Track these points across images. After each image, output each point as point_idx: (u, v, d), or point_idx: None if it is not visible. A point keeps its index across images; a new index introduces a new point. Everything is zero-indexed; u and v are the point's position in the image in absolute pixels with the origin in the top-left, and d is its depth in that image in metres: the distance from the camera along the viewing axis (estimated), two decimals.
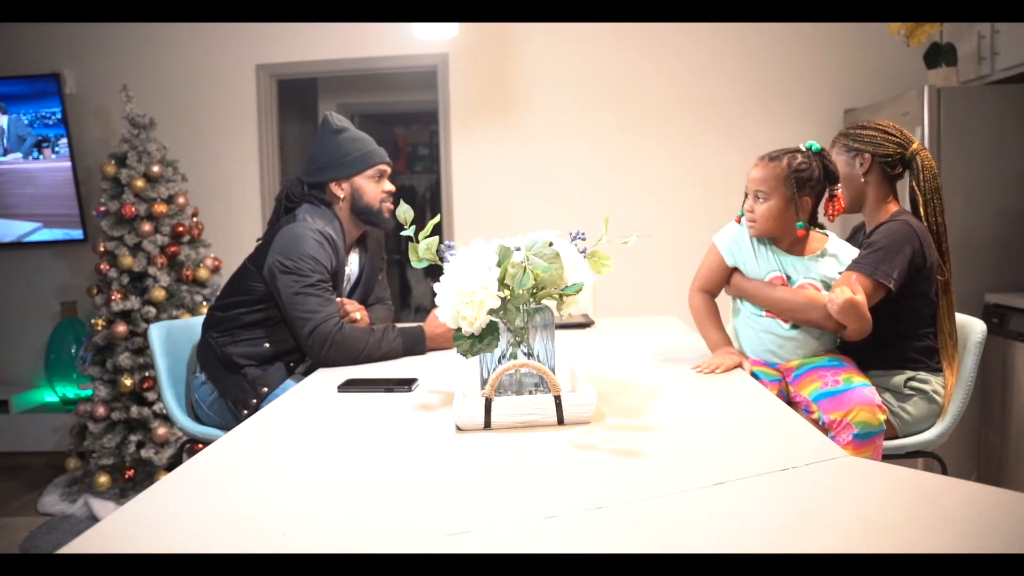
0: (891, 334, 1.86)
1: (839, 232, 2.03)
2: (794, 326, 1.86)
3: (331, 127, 2.12)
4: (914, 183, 1.87)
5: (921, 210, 1.87)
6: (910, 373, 1.85)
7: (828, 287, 1.81)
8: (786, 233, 1.84)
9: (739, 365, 1.78)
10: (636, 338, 2.24)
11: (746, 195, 1.87)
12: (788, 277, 1.86)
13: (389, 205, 2.14)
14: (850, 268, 1.79)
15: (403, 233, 1.49)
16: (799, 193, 1.78)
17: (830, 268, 1.84)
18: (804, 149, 1.81)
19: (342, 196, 2.11)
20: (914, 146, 1.88)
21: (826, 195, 1.85)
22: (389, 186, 2.16)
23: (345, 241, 2.11)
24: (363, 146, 2.13)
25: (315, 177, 2.11)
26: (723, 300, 2.05)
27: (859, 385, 1.74)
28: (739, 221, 1.93)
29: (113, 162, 3.43)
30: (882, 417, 1.70)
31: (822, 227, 1.92)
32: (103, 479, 3.28)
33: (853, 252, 1.86)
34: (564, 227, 1.52)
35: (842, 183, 1.87)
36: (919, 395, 1.83)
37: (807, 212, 1.83)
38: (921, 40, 3.21)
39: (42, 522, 3.18)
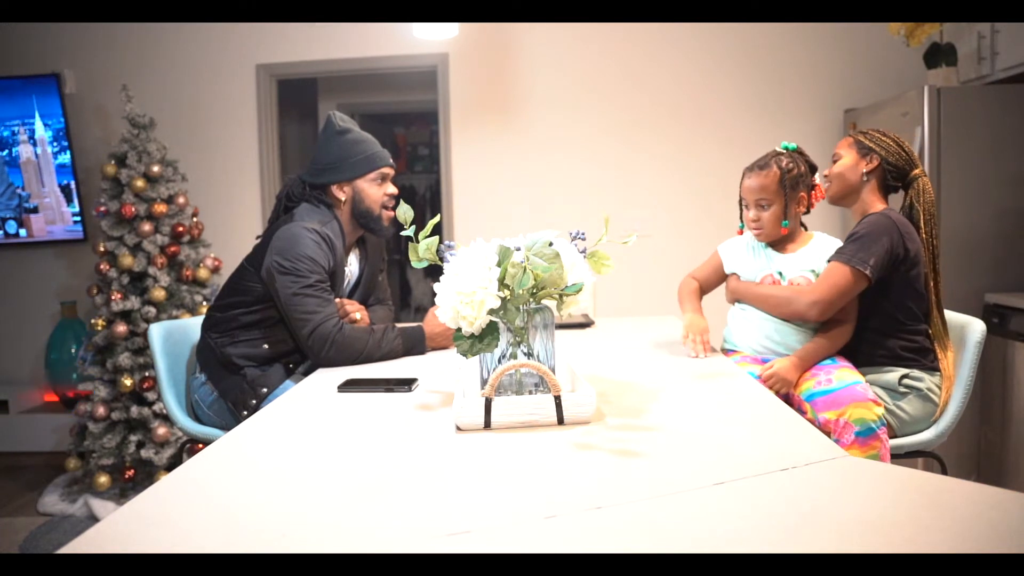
0: (883, 330, 1.90)
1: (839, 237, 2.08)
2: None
3: (334, 128, 2.11)
4: (916, 204, 1.93)
5: (922, 230, 1.91)
6: (903, 371, 1.86)
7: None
8: (788, 232, 1.96)
9: (705, 330, 1.96)
10: (636, 338, 2.24)
11: (743, 206, 1.99)
12: (780, 274, 1.94)
13: (390, 213, 2.13)
14: (831, 259, 1.88)
15: (403, 233, 1.49)
16: (795, 192, 1.92)
17: (819, 259, 1.92)
18: (783, 151, 1.95)
19: (344, 199, 2.10)
20: (917, 170, 1.95)
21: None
22: (392, 189, 2.15)
23: (344, 242, 2.11)
24: (366, 148, 2.12)
25: (317, 178, 2.11)
26: (715, 299, 2.08)
27: (851, 383, 1.77)
28: (741, 234, 2.06)
29: (113, 162, 3.43)
30: (878, 410, 1.72)
31: (804, 227, 2.04)
32: (103, 479, 3.28)
33: (839, 243, 1.92)
34: (564, 227, 1.52)
35: (841, 174, 1.96)
36: (914, 393, 1.84)
37: (806, 206, 1.96)
38: (921, 40, 3.21)
39: (42, 522, 3.18)
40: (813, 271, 1.90)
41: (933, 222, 1.92)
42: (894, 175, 1.94)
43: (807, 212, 2.01)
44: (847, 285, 1.81)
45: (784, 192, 1.90)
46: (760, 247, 1.99)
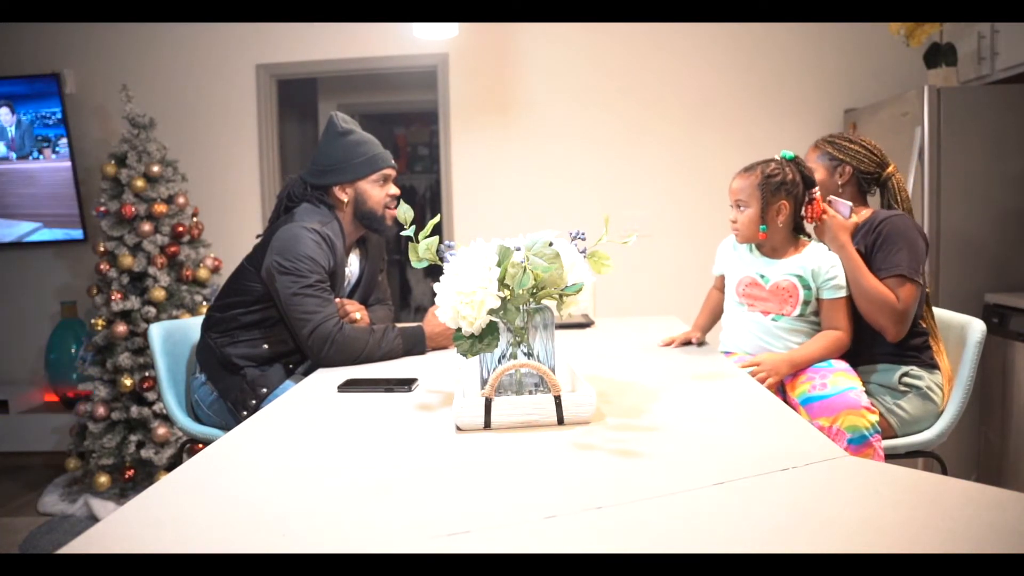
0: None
1: None
2: (775, 318, 1.91)
3: (336, 129, 2.11)
4: (894, 204, 1.95)
5: None
6: (903, 368, 1.86)
7: (804, 283, 1.89)
8: (769, 238, 1.94)
9: (689, 340, 2.05)
10: (636, 338, 2.24)
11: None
12: (762, 276, 1.94)
13: (392, 212, 2.14)
14: (888, 274, 1.83)
15: (403, 233, 1.49)
16: (774, 198, 1.89)
17: (807, 266, 1.89)
18: (778, 158, 1.93)
19: (346, 200, 2.10)
20: (889, 169, 1.96)
21: (805, 200, 1.94)
22: (394, 189, 2.15)
23: (344, 242, 2.11)
24: (368, 149, 2.12)
25: (319, 179, 2.11)
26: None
27: (845, 389, 1.76)
28: None
29: (113, 162, 3.43)
30: (872, 418, 1.72)
31: (809, 236, 2.01)
32: (103, 479, 3.28)
33: (831, 257, 1.89)
34: (564, 227, 1.52)
35: (818, 188, 1.96)
36: (913, 392, 1.84)
37: (787, 215, 1.91)
38: (921, 40, 3.21)
39: (42, 522, 3.18)
40: (799, 276, 1.89)
41: (912, 216, 1.94)
42: (867, 180, 1.97)
43: (801, 229, 1.98)
44: (909, 297, 1.82)
45: (761, 196, 1.88)
46: (748, 248, 1.99)
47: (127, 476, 3.31)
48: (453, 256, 1.39)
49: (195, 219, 3.59)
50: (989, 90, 2.95)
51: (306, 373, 2.07)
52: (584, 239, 1.46)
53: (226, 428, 1.93)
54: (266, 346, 2.05)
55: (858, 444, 1.69)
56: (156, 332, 2.15)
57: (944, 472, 1.70)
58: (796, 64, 3.74)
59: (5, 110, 3.92)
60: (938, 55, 3.17)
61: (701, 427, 1.31)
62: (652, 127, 3.84)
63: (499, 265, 1.34)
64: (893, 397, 1.85)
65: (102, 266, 3.39)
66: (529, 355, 1.39)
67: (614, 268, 1.45)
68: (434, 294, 1.40)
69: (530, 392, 1.39)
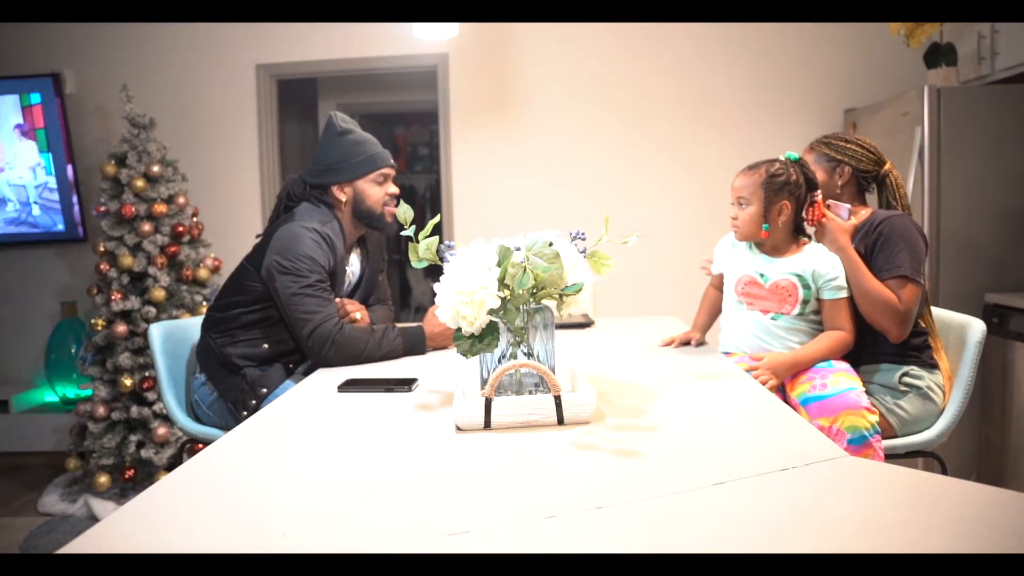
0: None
1: None
2: (775, 316, 1.90)
3: (335, 128, 2.12)
4: (893, 201, 1.96)
5: None
6: (904, 368, 1.86)
7: (804, 282, 1.89)
8: (770, 237, 1.94)
9: (689, 340, 2.06)
10: (636, 338, 2.24)
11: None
12: (761, 275, 1.94)
13: (392, 209, 2.14)
14: (890, 275, 1.83)
15: (403, 233, 1.49)
16: (777, 197, 1.89)
17: (806, 266, 1.89)
18: (783, 159, 1.93)
19: (344, 200, 2.10)
20: (887, 166, 1.97)
21: (807, 202, 1.94)
22: (393, 189, 2.16)
23: (345, 242, 2.11)
24: (367, 149, 2.12)
25: (318, 179, 2.11)
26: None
27: (846, 389, 1.76)
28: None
29: (113, 162, 3.43)
30: (872, 418, 1.71)
31: (809, 237, 2.01)
32: (103, 479, 3.28)
33: (832, 257, 1.89)
34: (564, 227, 1.52)
35: (820, 191, 1.96)
36: (914, 392, 1.84)
37: (788, 216, 1.91)
38: (921, 40, 3.21)
39: (42, 522, 3.18)
40: (799, 276, 1.89)
41: (909, 212, 1.95)
42: (865, 179, 1.97)
43: (801, 230, 1.98)
44: (912, 299, 1.82)
45: (764, 195, 1.88)
46: (747, 246, 1.99)
47: (127, 476, 3.31)
48: (453, 256, 1.39)
49: (195, 219, 3.59)
50: (989, 90, 2.95)
51: (306, 373, 2.07)
52: (584, 239, 1.46)
53: (226, 428, 1.93)
54: (266, 346, 2.06)
55: (858, 444, 1.69)
56: (156, 332, 2.15)
57: (944, 472, 1.70)
58: (796, 64, 3.74)
59: None
60: (938, 55, 3.17)
61: (701, 427, 1.31)
62: (652, 127, 3.83)
63: (499, 265, 1.34)
64: (893, 397, 1.85)
65: (102, 266, 3.39)
66: (529, 355, 1.39)
67: (614, 268, 1.45)
68: (434, 294, 1.40)
69: (530, 392, 1.39)
